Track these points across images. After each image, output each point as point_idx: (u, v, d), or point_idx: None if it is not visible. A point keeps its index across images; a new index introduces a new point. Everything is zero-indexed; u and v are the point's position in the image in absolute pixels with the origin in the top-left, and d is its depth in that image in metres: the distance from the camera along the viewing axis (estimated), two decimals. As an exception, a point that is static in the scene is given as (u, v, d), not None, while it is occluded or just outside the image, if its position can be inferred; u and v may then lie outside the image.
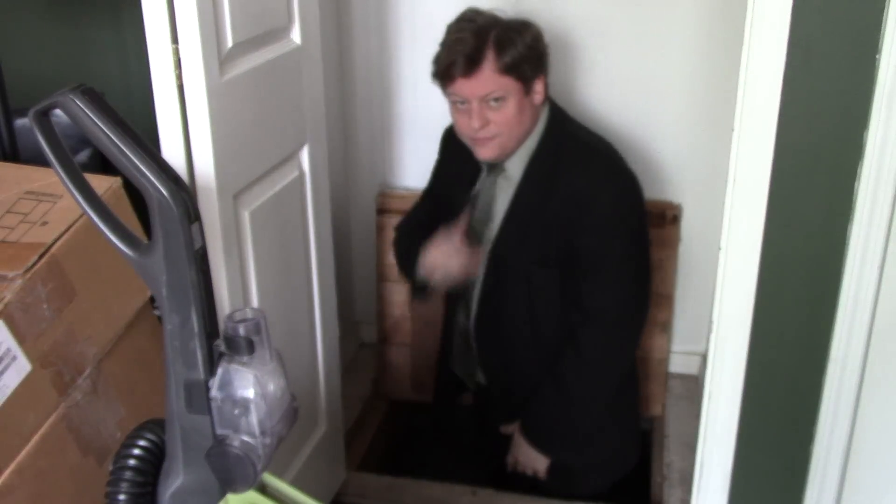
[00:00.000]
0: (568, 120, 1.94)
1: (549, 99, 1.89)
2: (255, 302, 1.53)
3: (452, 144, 1.98)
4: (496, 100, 1.75)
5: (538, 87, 1.81)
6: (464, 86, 1.76)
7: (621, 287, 1.87)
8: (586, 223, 1.81)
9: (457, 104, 1.80)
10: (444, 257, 1.86)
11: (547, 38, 1.85)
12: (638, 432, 2.18)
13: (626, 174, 1.89)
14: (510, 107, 1.77)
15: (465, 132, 1.83)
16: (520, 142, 1.84)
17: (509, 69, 1.75)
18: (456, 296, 2.04)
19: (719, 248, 1.42)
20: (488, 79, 1.74)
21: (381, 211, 2.41)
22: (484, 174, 1.93)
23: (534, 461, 2.00)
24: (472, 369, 2.08)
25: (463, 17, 1.81)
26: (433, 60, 1.81)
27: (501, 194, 1.91)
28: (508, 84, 1.75)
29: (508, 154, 1.85)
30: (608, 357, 1.92)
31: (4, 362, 1.04)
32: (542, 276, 1.88)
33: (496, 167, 1.89)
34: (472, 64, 1.73)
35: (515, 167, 1.87)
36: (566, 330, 1.89)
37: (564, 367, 1.90)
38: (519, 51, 1.75)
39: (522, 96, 1.78)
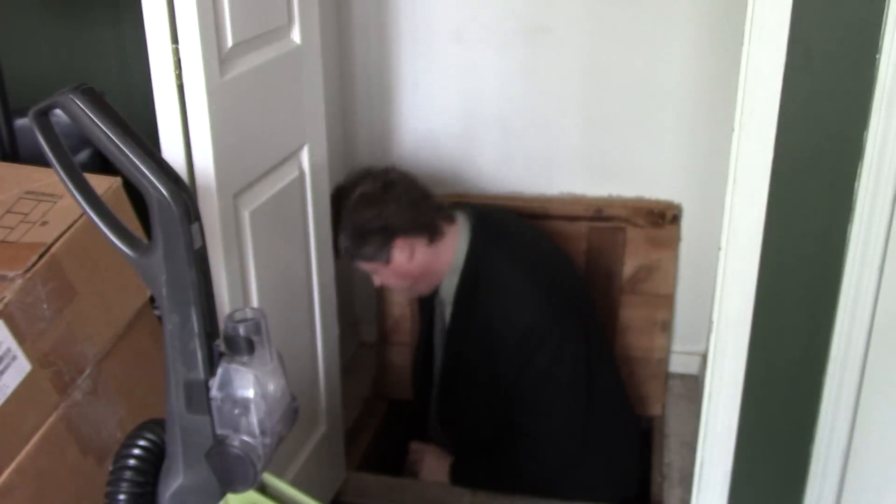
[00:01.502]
0: (489, 236, 1.90)
1: (468, 213, 1.92)
2: (255, 302, 1.53)
3: None
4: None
5: (397, 252, 1.83)
6: None
7: (543, 407, 1.90)
8: (503, 351, 1.86)
9: None
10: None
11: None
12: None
13: (539, 304, 1.84)
14: (384, 276, 1.89)
15: None
16: (432, 282, 1.93)
17: (353, 259, 1.87)
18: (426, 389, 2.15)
19: (719, 248, 1.42)
20: (349, 262, 1.90)
21: (381, 211, 2.40)
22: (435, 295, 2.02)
23: (434, 476, 2.08)
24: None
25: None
26: None
27: (446, 311, 1.99)
28: (362, 265, 1.88)
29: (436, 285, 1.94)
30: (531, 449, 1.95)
31: (4, 362, 1.04)
32: (487, 377, 1.94)
33: (436, 291, 1.98)
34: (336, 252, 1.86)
35: (447, 291, 1.94)
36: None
37: (496, 453, 1.96)
38: (350, 243, 1.84)
39: (384, 266, 1.86)
